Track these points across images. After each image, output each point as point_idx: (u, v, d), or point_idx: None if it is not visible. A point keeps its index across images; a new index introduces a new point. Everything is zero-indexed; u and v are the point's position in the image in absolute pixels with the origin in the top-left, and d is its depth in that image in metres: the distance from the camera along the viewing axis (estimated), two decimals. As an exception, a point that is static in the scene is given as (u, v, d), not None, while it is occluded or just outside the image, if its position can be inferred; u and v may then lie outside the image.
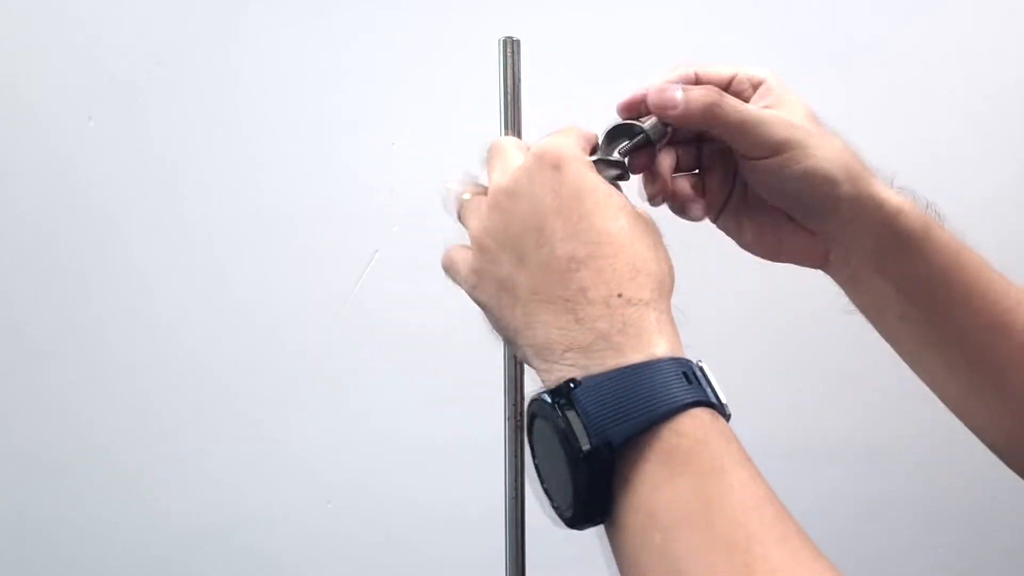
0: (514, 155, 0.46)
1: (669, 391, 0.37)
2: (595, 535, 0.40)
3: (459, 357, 1.00)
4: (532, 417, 0.41)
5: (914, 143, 1.05)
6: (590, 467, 0.37)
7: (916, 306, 0.52)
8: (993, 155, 1.07)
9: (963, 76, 1.06)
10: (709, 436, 0.37)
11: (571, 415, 0.37)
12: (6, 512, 1.07)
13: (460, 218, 0.48)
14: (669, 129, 0.51)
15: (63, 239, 1.02)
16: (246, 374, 1.06)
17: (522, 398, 0.51)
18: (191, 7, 0.99)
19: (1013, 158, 1.08)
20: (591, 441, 0.37)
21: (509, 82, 0.49)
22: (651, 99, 0.49)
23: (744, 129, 0.49)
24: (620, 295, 0.40)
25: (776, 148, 0.49)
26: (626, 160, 0.50)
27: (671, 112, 0.49)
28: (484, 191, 0.48)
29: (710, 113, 0.48)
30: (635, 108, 0.51)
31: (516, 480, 0.52)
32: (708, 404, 0.38)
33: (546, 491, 0.41)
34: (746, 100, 0.52)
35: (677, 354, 0.40)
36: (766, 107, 0.51)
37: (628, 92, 0.51)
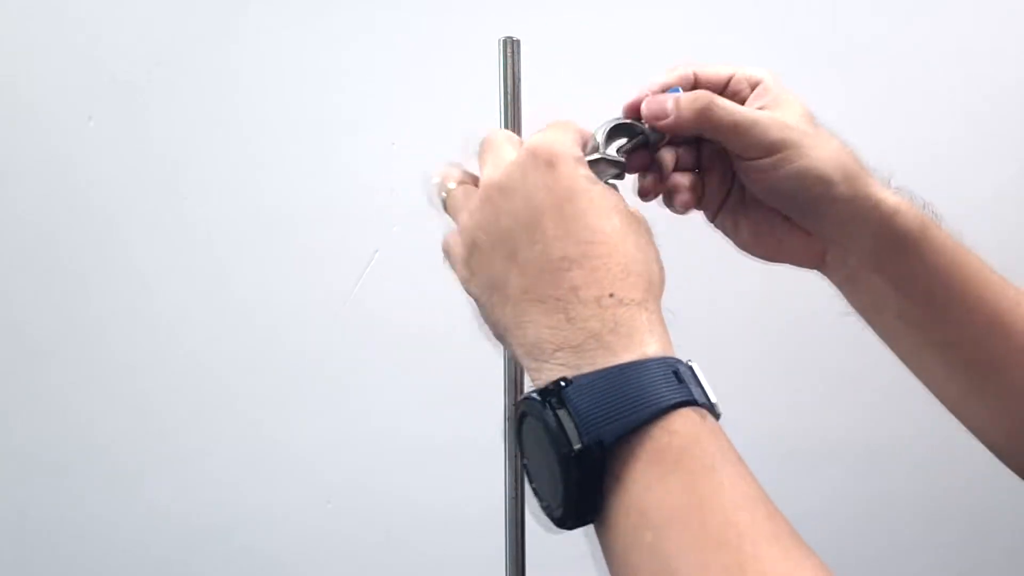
0: (507, 149, 0.46)
1: (660, 390, 0.37)
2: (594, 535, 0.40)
3: (459, 357, 1.00)
4: (522, 416, 0.40)
5: (914, 143, 1.05)
6: (581, 466, 0.37)
7: (915, 305, 0.52)
8: (993, 155, 1.07)
9: (963, 76, 1.06)
10: (700, 435, 0.37)
11: (562, 414, 0.37)
12: (6, 512, 1.07)
13: (446, 209, 0.48)
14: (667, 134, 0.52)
15: (63, 239, 1.02)
16: (246, 374, 1.06)
17: (522, 398, 0.51)
18: (191, 7, 0.99)
19: (1013, 158, 1.08)
20: (582, 440, 0.37)
21: (509, 82, 0.49)
22: (643, 110, 0.51)
23: (738, 131, 0.49)
24: (612, 295, 0.40)
25: (770, 148, 0.49)
26: (624, 159, 0.50)
27: (663, 123, 0.50)
28: (471, 180, 0.47)
29: (702, 117, 0.49)
30: (636, 110, 0.52)
31: (516, 480, 0.52)
32: (699, 403, 0.38)
33: (535, 491, 0.41)
34: (743, 100, 0.53)
35: (668, 353, 0.40)
36: (762, 107, 0.52)
37: (632, 94, 0.52)
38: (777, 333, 1.07)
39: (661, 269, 0.44)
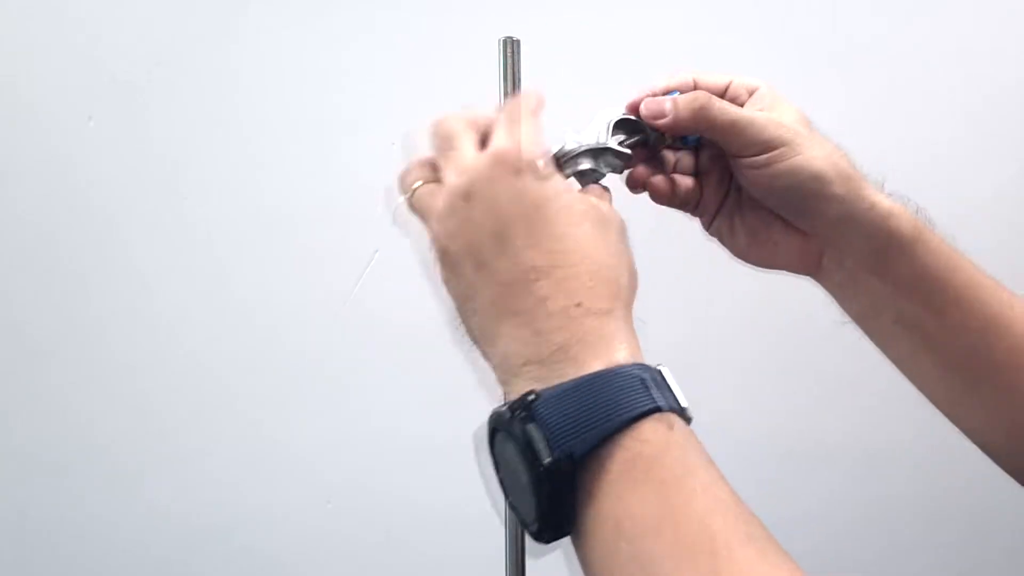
0: (467, 148, 0.45)
1: (629, 399, 0.37)
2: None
3: (459, 357, 1.00)
4: (493, 431, 0.40)
5: (914, 143, 1.05)
6: (552, 480, 0.37)
7: (913, 307, 0.53)
8: (993, 155, 1.07)
9: (963, 76, 1.06)
10: (670, 442, 0.37)
11: (531, 428, 0.37)
12: (6, 512, 1.07)
13: (414, 210, 0.47)
14: (668, 138, 0.54)
15: (63, 239, 1.02)
16: (246, 374, 1.06)
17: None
18: (191, 7, 0.99)
19: (1013, 158, 1.08)
20: (552, 454, 0.36)
21: (509, 82, 0.49)
22: (643, 109, 0.52)
23: (735, 129, 0.50)
24: (579, 304, 0.40)
25: (766, 145, 0.50)
26: (630, 152, 0.52)
27: (661, 122, 0.51)
28: (434, 177, 0.46)
29: (699, 117, 0.50)
30: (636, 110, 0.53)
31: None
32: (669, 410, 0.38)
33: (511, 505, 0.41)
34: (741, 105, 0.54)
35: (637, 360, 0.40)
36: (759, 111, 0.53)
37: (633, 95, 0.53)
38: (775, 335, 1.07)
39: (632, 273, 0.44)
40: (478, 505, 0.94)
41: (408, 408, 1.07)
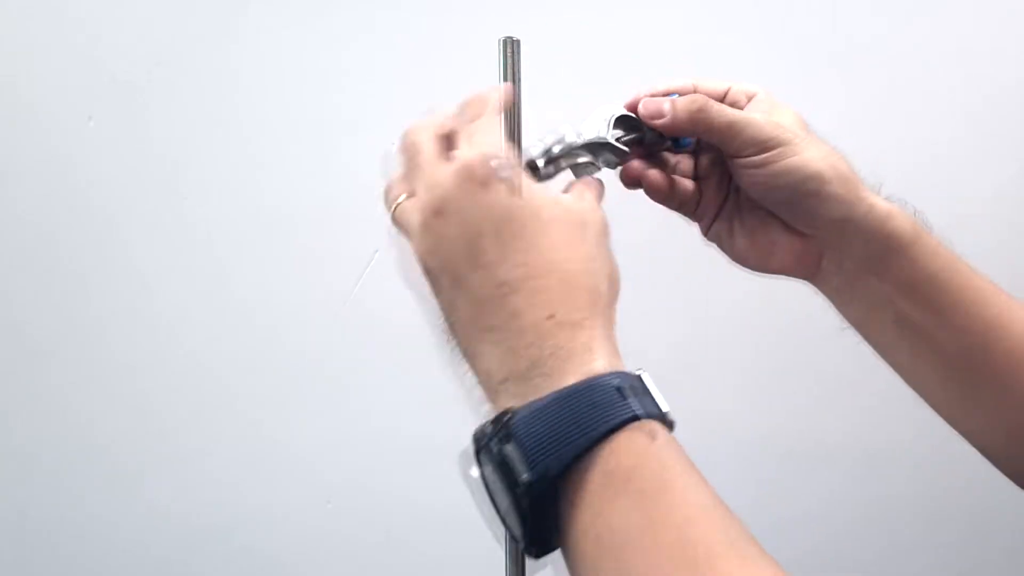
0: (434, 163, 0.44)
1: (605, 411, 0.37)
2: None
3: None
4: (477, 450, 0.40)
5: (914, 143, 1.05)
6: (532, 499, 0.37)
7: (914, 309, 0.53)
8: (993, 155, 1.07)
9: (963, 76, 1.06)
10: (648, 451, 0.37)
11: (509, 448, 0.37)
12: (6, 512, 1.07)
13: (397, 226, 0.47)
14: (668, 142, 0.54)
15: (63, 239, 1.02)
16: (246, 374, 1.06)
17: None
18: (191, 7, 0.99)
19: (1013, 158, 1.08)
20: (530, 473, 0.37)
21: (509, 82, 0.49)
22: (641, 109, 0.52)
23: (732, 130, 0.50)
24: (552, 316, 0.40)
25: (764, 145, 0.50)
26: (627, 148, 0.52)
27: (659, 121, 0.51)
28: (413, 191, 0.46)
29: (697, 119, 0.50)
30: (634, 110, 0.53)
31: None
32: (649, 416, 0.38)
33: (502, 520, 0.41)
34: (740, 109, 0.54)
35: (614, 368, 0.39)
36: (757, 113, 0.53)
37: (636, 93, 0.53)
38: (775, 335, 1.07)
39: (612, 275, 0.43)
40: (478, 505, 0.94)
41: (408, 408, 1.07)
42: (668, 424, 0.39)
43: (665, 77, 0.55)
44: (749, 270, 0.57)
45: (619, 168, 0.54)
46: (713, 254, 0.59)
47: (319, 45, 1.01)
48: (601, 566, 0.36)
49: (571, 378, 0.38)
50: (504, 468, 0.37)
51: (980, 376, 0.53)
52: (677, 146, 0.56)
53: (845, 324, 0.57)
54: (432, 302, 0.45)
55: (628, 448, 0.37)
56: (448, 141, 0.45)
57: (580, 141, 0.51)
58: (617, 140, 0.52)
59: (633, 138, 0.53)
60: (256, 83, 1.01)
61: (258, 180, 1.03)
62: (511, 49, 0.49)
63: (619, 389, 0.38)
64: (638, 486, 0.36)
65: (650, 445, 0.37)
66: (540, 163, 0.50)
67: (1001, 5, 1.05)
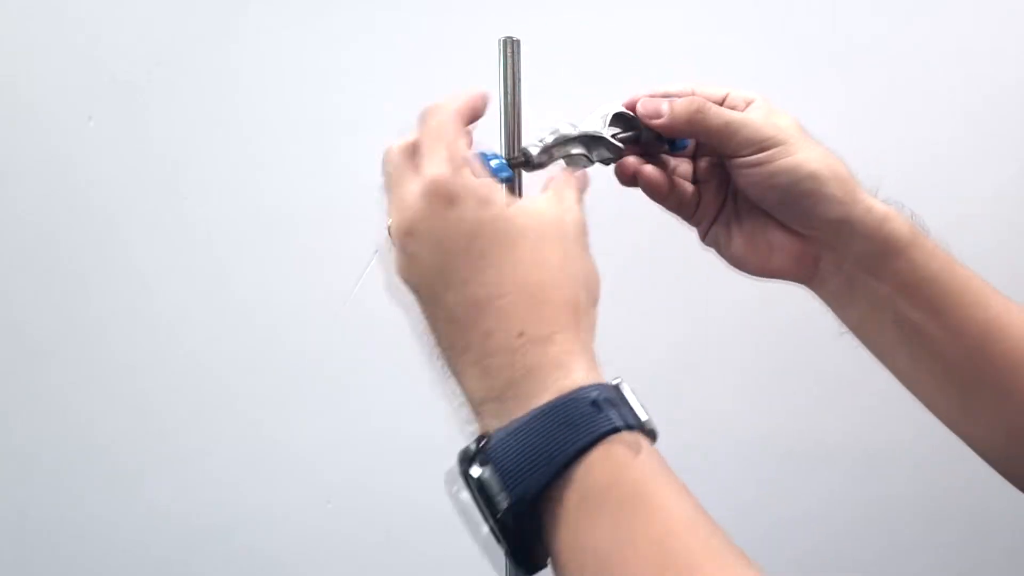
0: (406, 184, 0.43)
1: (579, 428, 0.37)
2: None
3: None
4: (461, 473, 0.40)
5: (914, 143, 1.05)
6: (513, 521, 0.37)
7: (912, 310, 0.53)
8: (993, 155, 1.07)
9: (963, 76, 1.06)
10: (626, 465, 0.37)
11: (487, 472, 0.37)
12: (6, 512, 1.07)
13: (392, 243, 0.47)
14: (665, 144, 0.55)
15: (63, 239, 1.02)
16: (246, 374, 1.06)
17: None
18: (191, 7, 0.99)
19: (1013, 158, 1.08)
20: (508, 497, 0.36)
21: (509, 82, 0.49)
22: (639, 108, 0.52)
23: (730, 131, 0.51)
24: (521, 334, 0.39)
25: (761, 145, 0.51)
26: (623, 146, 0.53)
27: (656, 121, 0.52)
28: None
29: (695, 119, 0.51)
30: (633, 110, 0.54)
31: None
32: (627, 427, 0.37)
33: (496, 538, 0.40)
34: None
35: (589, 381, 0.39)
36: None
37: (634, 95, 0.54)
38: (775, 335, 1.07)
39: (588, 280, 0.42)
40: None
41: (408, 408, 1.07)
42: (648, 433, 0.39)
43: (663, 82, 0.55)
44: (747, 274, 0.57)
45: (614, 165, 0.55)
46: (713, 254, 0.60)
47: (319, 45, 1.01)
48: None
49: (545, 396, 0.38)
50: (483, 492, 0.37)
51: (979, 378, 0.53)
52: (673, 148, 0.56)
53: (843, 329, 0.57)
54: (418, 319, 0.45)
55: (604, 464, 0.36)
56: (415, 156, 0.44)
57: (574, 132, 0.51)
58: (614, 136, 0.53)
59: (629, 136, 0.54)
60: (256, 83, 1.01)
61: (258, 180, 1.03)
62: (511, 49, 0.49)
63: (595, 403, 0.37)
64: (616, 502, 0.36)
65: (627, 458, 0.37)
66: (534, 152, 0.50)
67: (1001, 5, 1.05)
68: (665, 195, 0.55)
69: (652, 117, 0.52)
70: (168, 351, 1.05)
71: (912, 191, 0.54)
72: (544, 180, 0.48)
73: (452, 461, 0.42)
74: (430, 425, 1.08)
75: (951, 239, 0.55)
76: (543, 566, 0.39)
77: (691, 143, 0.57)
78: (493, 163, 0.47)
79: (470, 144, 0.46)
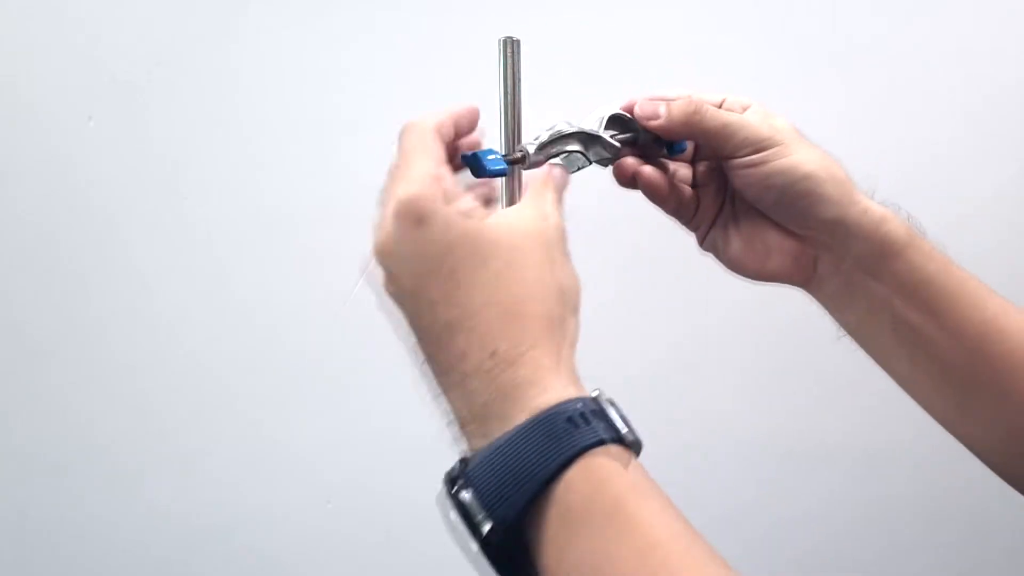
0: (383, 204, 0.43)
1: (555, 447, 0.36)
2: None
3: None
4: (448, 495, 0.40)
5: (914, 143, 1.05)
6: (498, 542, 0.37)
7: (910, 311, 0.53)
8: (993, 155, 1.07)
9: (963, 76, 1.06)
10: (603, 480, 0.36)
11: (468, 496, 0.37)
12: (6, 512, 1.07)
13: None
14: (663, 148, 0.55)
15: (63, 239, 1.02)
16: (246, 374, 1.06)
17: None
18: (191, 7, 0.99)
19: (1013, 158, 1.08)
20: (489, 520, 0.37)
21: (509, 82, 0.49)
22: (637, 110, 0.53)
23: (727, 131, 0.51)
24: (493, 354, 0.39)
25: (759, 145, 0.51)
26: (619, 145, 0.53)
27: (654, 123, 0.52)
28: None
29: (692, 121, 0.51)
30: (630, 112, 0.54)
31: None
32: (605, 441, 0.37)
33: (477, 561, 0.41)
34: None
35: (565, 397, 0.38)
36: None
37: (631, 98, 0.54)
38: (775, 335, 1.07)
39: (565, 289, 0.42)
40: (478, 505, 0.94)
41: (408, 408, 1.06)
42: (629, 444, 0.38)
43: (661, 85, 0.55)
44: (746, 279, 0.57)
45: (612, 167, 0.55)
46: (712, 258, 0.60)
47: (319, 45, 1.01)
48: None
49: (521, 416, 0.38)
50: (466, 516, 0.37)
51: (977, 380, 0.53)
52: (671, 151, 0.56)
53: (841, 333, 0.57)
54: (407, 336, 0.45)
55: (583, 481, 0.36)
56: (392, 176, 0.44)
57: (570, 129, 0.51)
58: (611, 137, 0.53)
59: (626, 138, 0.54)
60: (256, 83, 1.01)
61: (258, 180, 1.03)
62: (511, 49, 0.49)
63: (570, 419, 0.37)
64: (598, 518, 0.36)
65: (606, 473, 0.37)
66: (531, 150, 0.50)
67: (1001, 5, 1.05)
68: (665, 197, 0.55)
69: (650, 119, 0.52)
70: (168, 351, 1.05)
71: (912, 191, 0.54)
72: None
73: (451, 463, 0.42)
74: (430, 425, 1.08)
75: (951, 239, 0.55)
76: None
77: (689, 146, 0.57)
78: (491, 157, 0.47)
79: (452, 158, 0.46)
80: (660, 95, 0.54)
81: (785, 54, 1.03)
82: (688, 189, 0.56)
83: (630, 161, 0.54)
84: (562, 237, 0.43)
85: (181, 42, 1.00)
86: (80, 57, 0.99)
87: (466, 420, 0.40)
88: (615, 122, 0.53)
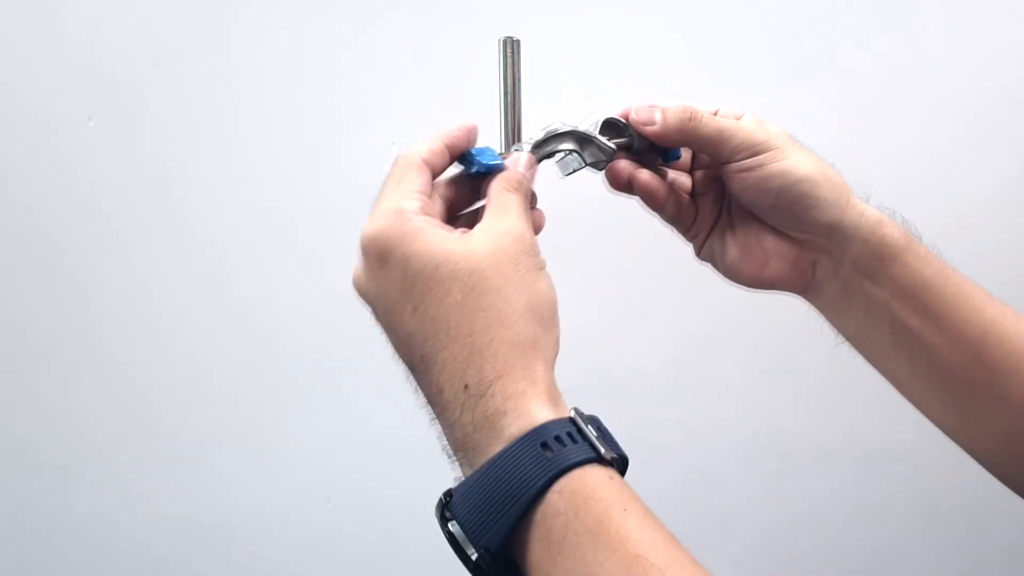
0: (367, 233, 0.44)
1: (530, 475, 0.37)
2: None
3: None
4: (439, 522, 0.40)
5: (914, 143, 1.05)
6: (488, 567, 0.38)
7: (909, 316, 0.53)
8: (993, 155, 1.07)
9: (963, 76, 1.06)
10: (585, 500, 0.37)
11: (455, 527, 0.38)
12: (6, 512, 1.07)
13: None
14: (659, 157, 0.55)
15: (63, 239, 1.02)
16: (246, 374, 1.06)
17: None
18: (191, 7, 0.99)
19: (1013, 158, 1.08)
20: (475, 550, 0.37)
21: (509, 82, 0.49)
22: (632, 116, 0.53)
23: (723, 137, 0.51)
24: (466, 387, 0.39)
25: (755, 149, 0.51)
26: (614, 147, 0.53)
27: (649, 128, 0.52)
28: None
29: (687, 127, 0.51)
30: (625, 119, 0.54)
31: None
32: (582, 462, 0.37)
33: None
34: None
35: (540, 421, 0.38)
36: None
37: (626, 107, 0.54)
38: (776, 334, 1.07)
39: (534, 306, 0.41)
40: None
41: (408, 408, 1.07)
42: (608, 461, 0.38)
43: (656, 95, 0.55)
44: (745, 287, 0.57)
45: (604, 172, 0.55)
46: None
47: (319, 45, 1.01)
48: None
49: (497, 445, 0.38)
50: (455, 545, 0.38)
51: (976, 383, 0.53)
52: (666, 159, 0.56)
53: (840, 340, 0.57)
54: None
55: (562, 503, 0.37)
56: None
57: (563, 129, 0.51)
58: (608, 140, 0.53)
59: (621, 142, 0.54)
60: (256, 83, 1.01)
61: (258, 180, 1.03)
62: (511, 49, 0.49)
63: (545, 444, 0.37)
64: (575, 541, 0.36)
65: (585, 494, 0.37)
66: (526, 149, 0.50)
67: (1001, 5, 1.05)
68: (662, 203, 0.55)
69: (645, 124, 0.52)
70: (168, 351, 1.05)
71: (912, 192, 0.55)
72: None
73: (452, 461, 0.42)
74: (430, 425, 1.08)
75: (951, 239, 0.55)
76: None
77: (684, 154, 0.57)
78: (488, 154, 0.48)
79: (426, 186, 0.45)
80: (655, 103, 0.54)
81: (784, 53, 1.03)
82: (685, 197, 0.57)
83: (624, 165, 0.54)
84: (526, 248, 0.43)
85: (181, 42, 1.00)
86: (80, 57, 0.99)
87: (455, 448, 0.40)
88: (609, 127, 0.53)
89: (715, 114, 0.54)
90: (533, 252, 0.43)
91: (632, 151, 0.54)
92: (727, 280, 0.58)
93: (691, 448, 1.09)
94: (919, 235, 0.54)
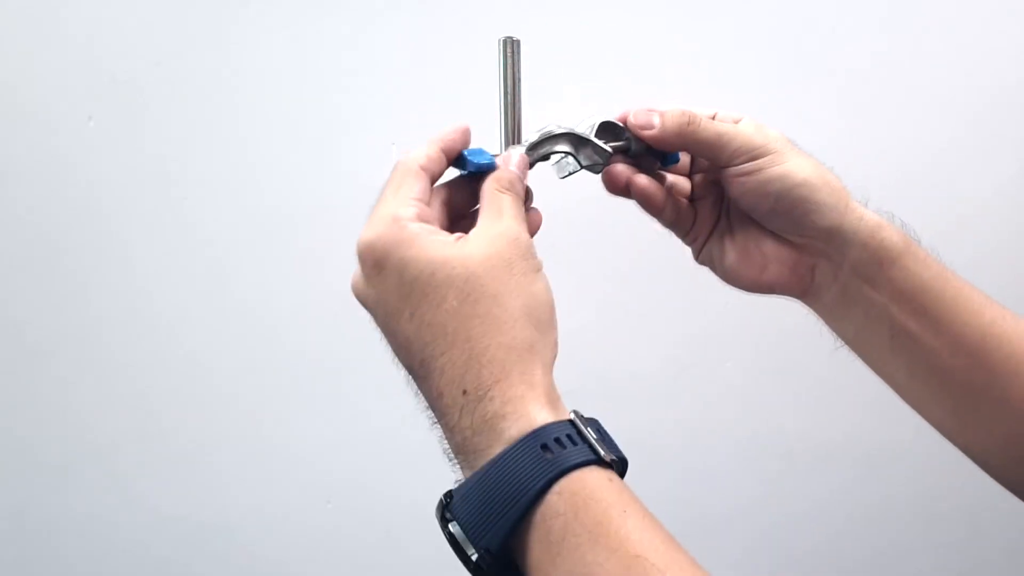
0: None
1: (529, 476, 0.37)
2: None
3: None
4: (439, 523, 0.40)
5: (914, 143, 1.05)
6: (488, 568, 0.38)
7: (908, 320, 0.52)
8: (993, 155, 1.07)
9: (963, 76, 1.06)
10: (584, 502, 0.37)
11: (455, 528, 0.38)
12: (6, 512, 1.07)
13: None
14: (657, 161, 0.55)
15: (63, 239, 1.02)
16: (246, 374, 1.06)
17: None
18: (191, 7, 0.99)
19: (1013, 158, 1.08)
20: (475, 551, 0.38)
21: (509, 82, 0.49)
22: (631, 119, 0.52)
23: (722, 141, 0.51)
24: (465, 392, 0.39)
25: (754, 153, 0.51)
26: (611, 150, 0.53)
27: (648, 132, 0.52)
28: None
29: (686, 131, 0.51)
30: (624, 122, 0.54)
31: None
32: (581, 464, 0.37)
33: None
34: None
35: (539, 424, 0.38)
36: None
37: (624, 111, 0.54)
38: (776, 334, 1.07)
39: (531, 309, 0.41)
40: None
41: (408, 408, 1.07)
42: (608, 463, 0.39)
43: (654, 99, 0.55)
44: (744, 290, 0.57)
45: (601, 175, 0.55)
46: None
47: (319, 45, 1.01)
48: None
49: (497, 447, 0.38)
50: (455, 545, 0.39)
51: (975, 387, 0.53)
52: (664, 162, 0.56)
53: (839, 344, 0.57)
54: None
55: (561, 504, 0.37)
56: None
57: (559, 130, 0.51)
58: (606, 143, 0.53)
59: (618, 145, 0.53)
60: (256, 83, 1.01)
61: (258, 180, 1.03)
62: (511, 49, 0.49)
63: (545, 446, 0.37)
64: (574, 542, 0.36)
65: (584, 495, 0.37)
66: (522, 150, 0.50)
67: (1001, 5, 1.05)
68: (660, 207, 0.55)
69: (643, 128, 0.52)
70: (168, 351, 1.05)
71: (912, 192, 0.54)
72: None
73: (451, 461, 0.42)
74: (430, 428, 1.08)
75: (951, 240, 0.55)
76: None
77: (683, 158, 0.57)
78: (481, 154, 0.48)
79: (423, 192, 0.45)
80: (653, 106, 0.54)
81: (785, 53, 1.03)
82: (684, 201, 0.57)
83: (621, 168, 0.54)
84: (521, 251, 0.42)
85: (181, 42, 1.00)
86: (80, 57, 0.99)
87: (455, 451, 0.41)
88: (606, 130, 0.53)
89: (713, 118, 0.53)
90: (528, 254, 0.43)
91: (630, 154, 0.54)
92: (725, 284, 0.58)
93: (690, 448, 1.09)
94: (918, 238, 0.54)
